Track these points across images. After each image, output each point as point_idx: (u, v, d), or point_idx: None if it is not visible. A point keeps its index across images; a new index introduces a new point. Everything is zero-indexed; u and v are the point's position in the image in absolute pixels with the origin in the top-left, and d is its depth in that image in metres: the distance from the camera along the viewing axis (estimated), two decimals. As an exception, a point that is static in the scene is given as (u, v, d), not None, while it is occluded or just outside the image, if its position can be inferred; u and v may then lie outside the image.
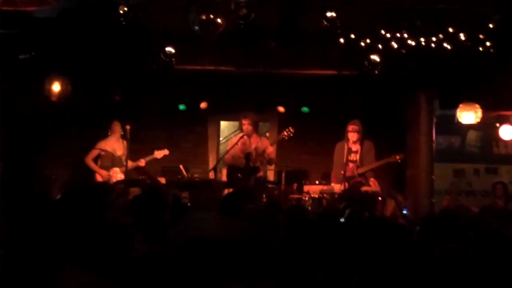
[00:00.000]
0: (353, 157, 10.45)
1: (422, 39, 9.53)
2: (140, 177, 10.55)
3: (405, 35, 9.46)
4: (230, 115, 12.43)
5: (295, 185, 10.84)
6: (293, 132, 10.27)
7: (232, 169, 10.52)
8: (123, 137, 10.60)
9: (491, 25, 9.08)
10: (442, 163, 12.57)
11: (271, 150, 10.44)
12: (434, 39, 9.53)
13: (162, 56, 9.90)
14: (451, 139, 13.00)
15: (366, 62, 10.00)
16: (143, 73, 11.32)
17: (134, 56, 10.36)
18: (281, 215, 5.62)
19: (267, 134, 12.42)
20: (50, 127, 11.26)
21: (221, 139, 13.32)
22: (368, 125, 10.59)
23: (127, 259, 3.86)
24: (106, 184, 9.15)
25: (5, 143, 10.25)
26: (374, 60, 9.95)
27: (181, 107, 12.20)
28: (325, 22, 8.76)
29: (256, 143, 10.48)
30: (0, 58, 9.66)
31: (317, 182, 10.86)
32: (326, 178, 10.97)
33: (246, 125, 10.52)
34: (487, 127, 12.48)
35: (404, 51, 9.64)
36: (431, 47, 9.61)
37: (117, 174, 10.75)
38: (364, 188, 10.24)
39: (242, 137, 10.58)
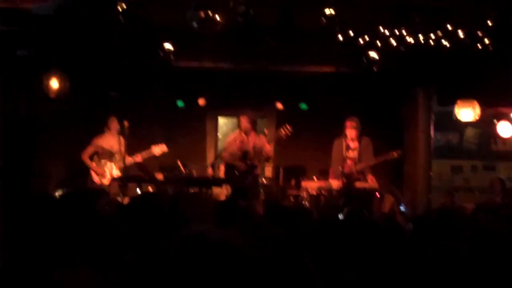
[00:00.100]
0: (351, 154, 10.45)
1: (420, 36, 9.53)
2: (139, 173, 10.59)
3: (404, 32, 9.46)
4: (228, 111, 12.44)
5: (293, 181, 10.85)
6: (291, 130, 10.24)
7: (229, 167, 10.52)
8: (120, 133, 10.58)
9: (489, 22, 9.08)
10: (440, 159, 12.59)
11: (268, 148, 10.44)
12: (432, 36, 9.54)
13: (161, 53, 9.90)
14: (449, 136, 13.02)
15: (364, 59, 10.00)
16: (141, 70, 11.32)
17: (133, 53, 10.36)
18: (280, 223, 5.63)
19: (265, 131, 12.41)
20: (48, 124, 11.25)
21: (219, 135, 13.33)
22: (366, 121, 10.60)
23: (124, 257, 3.86)
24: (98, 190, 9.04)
25: (2, 139, 10.28)
26: (372, 57, 9.95)
27: (179, 103, 12.19)
28: (324, 19, 8.76)
29: (254, 141, 10.48)
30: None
31: (314, 178, 10.87)
32: (323, 174, 10.97)
33: (244, 122, 10.52)
34: (485, 124, 12.50)
35: (402, 48, 9.64)
36: (430, 44, 9.61)
37: (114, 171, 10.75)
38: (362, 185, 10.26)
39: (240, 134, 10.59)
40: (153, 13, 9.37)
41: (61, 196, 6.72)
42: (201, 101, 12.02)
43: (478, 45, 9.50)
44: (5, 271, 3.34)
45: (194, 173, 11.16)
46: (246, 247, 4.51)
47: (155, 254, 3.91)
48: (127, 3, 8.64)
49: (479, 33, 9.43)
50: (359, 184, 10.27)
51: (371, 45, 9.79)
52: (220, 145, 12.67)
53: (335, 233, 5.17)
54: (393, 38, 9.57)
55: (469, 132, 13.01)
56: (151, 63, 10.30)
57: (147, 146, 10.89)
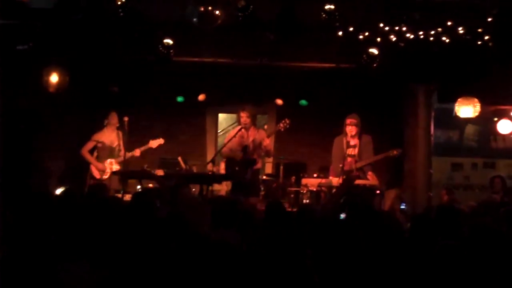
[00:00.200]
0: (351, 151, 10.42)
1: (420, 33, 9.51)
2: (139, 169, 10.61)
3: (404, 29, 9.44)
4: (228, 107, 12.43)
5: (293, 178, 10.84)
6: (289, 123, 10.22)
7: (230, 162, 10.50)
8: (120, 128, 10.58)
9: (489, 19, 9.07)
10: (440, 157, 12.57)
11: (267, 142, 10.41)
12: (432, 32, 9.52)
13: (160, 48, 9.89)
14: (449, 133, 13.00)
15: (364, 55, 9.99)
16: (141, 65, 11.31)
17: (132, 48, 10.36)
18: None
19: (265, 127, 12.42)
20: (47, 118, 11.23)
21: (219, 131, 13.32)
22: (366, 118, 10.57)
23: (123, 251, 3.86)
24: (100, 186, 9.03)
25: (2, 134, 10.28)
26: (372, 53, 9.94)
27: (179, 99, 12.18)
28: (324, 15, 8.74)
29: (254, 135, 10.45)
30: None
31: (315, 175, 10.86)
32: (324, 171, 10.96)
33: (244, 117, 10.49)
34: (485, 121, 12.48)
35: (402, 45, 9.62)
36: (430, 40, 9.60)
37: (113, 165, 10.74)
38: (362, 182, 10.24)
39: (240, 130, 10.57)
40: (153, 8, 9.36)
41: (62, 192, 6.70)
42: (201, 97, 12.01)
43: (479, 41, 9.49)
44: (6, 266, 3.34)
45: (194, 169, 11.15)
46: (244, 246, 4.51)
47: (153, 253, 3.91)
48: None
49: (479, 30, 9.41)
50: (359, 182, 10.25)
51: (371, 41, 9.77)
52: (220, 141, 12.66)
53: (337, 231, 5.17)
54: (393, 34, 9.55)
55: (469, 129, 12.98)
56: (150, 58, 10.28)
57: (147, 141, 10.88)
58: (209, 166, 10.96)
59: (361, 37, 9.68)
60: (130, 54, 10.62)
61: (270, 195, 10.64)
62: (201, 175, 10.62)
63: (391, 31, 9.52)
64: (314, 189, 10.23)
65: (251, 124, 10.52)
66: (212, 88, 11.99)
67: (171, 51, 9.92)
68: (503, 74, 10.61)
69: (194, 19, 8.72)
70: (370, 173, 10.42)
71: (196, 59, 11.02)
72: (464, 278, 3.95)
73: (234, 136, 10.48)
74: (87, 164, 10.78)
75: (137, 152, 10.66)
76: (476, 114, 11.33)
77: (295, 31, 9.32)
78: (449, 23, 9.38)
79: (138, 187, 10.14)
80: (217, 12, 8.66)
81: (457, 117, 11.65)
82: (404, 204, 10.82)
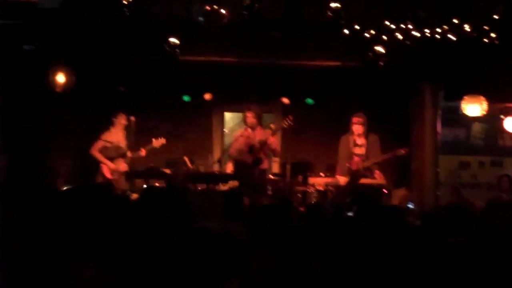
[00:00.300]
0: (358, 150, 10.42)
1: (427, 30, 9.49)
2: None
3: (410, 26, 9.42)
4: (234, 106, 12.43)
5: (300, 178, 10.83)
6: (292, 120, 10.23)
7: (238, 164, 10.52)
8: (127, 128, 10.66)
9: (496, 16, 9.04)
10: (447, 155, 12.53)
11: (272, 140, 10.42)
12: (439, 30, 9.49)
13: (166, 47, 9.88)
14: (456, 131, 12.94)
15: (370, 54, 9.97)
16: (147, 64, 11.32)
17: (138, 47, 10.36)
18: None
19: (271, 126, 12.41)
20: (54, 118, 11.26)
21: (225, 130, 13.32)
22: (373, 117, 10.56)
23: (133, 252, 3.86)
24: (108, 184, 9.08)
25: (10, 135, 10.31)
26: (378, 51, 9.91)
27: (185, 98, 12.20)
28: (330, 13, 8.73)
29: (260, 135, 10.46)
30: (4, 48, 9.72)
31: (321, 174, 10.84)
32: (330, 170, 10.95)
33: (250, 117, 10.50)
34: (492, 119, 12.41)
35: (408, 43, 9.60)
36: (436, 38, 9.57)
37: (122, 165, 10.78)
38: (369, 181, 10.23)
39: (246, 130, 10.58)
40: (159, 7, 9.37)
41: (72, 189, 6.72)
42: (207, 96, 12.02)
43: (485, 39, 9.46)
44: (15, 266, 3.35)
45: (201, 169, 11.17)
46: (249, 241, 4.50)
47: (159, 250, 3.90)
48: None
49: (486, 27, 9.38)
50: (366, 181, 10.24)
51: (377, 40, 9.75)
52: (227, 140, 12.66)
53: (345, 229, 5.16)
54: (400, 33, 9.53)
55: (476, 128, 12.93)
56: (156, 57, 10.29)
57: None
58: (216, 166, 10.99)
59: (367, 35, 9.66)
60: (136, 53, 10.63)
61: (278, 194, 10.63)
62: (207, 174, 10.64)
63: (397, 29, 9.49)
64: (322, 189, 10.23)
65: (257, 123, 10.53)
66: (218, 87, 11.99)
67: (177, 50, 9.92)
68: (510, 71, 10.57)
69: (200, 18, 8.72)
70: (377, 172, 10.42)
71: (202, 58, 11.01)
72: (472, 276, 3.94)
73: (241, 136, 10.50)
74: (96, 164, 10.79)
75: (143, 152, 10.73)
76: (483, 112, 11.28)
77: (301, 29, 9.33)
78: (455, 21, 9.35)
79: (144, 186, 10.16)
80: (223, 11, 8.65)
81: (463, 115, 11.61)
82: (412, 204, 10.80)
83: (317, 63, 11.17)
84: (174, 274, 3.41)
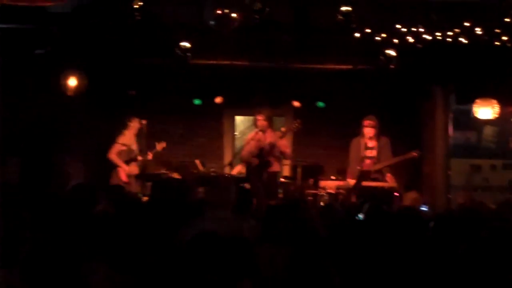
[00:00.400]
0: (369, 153, 10.39)
1: (438, 34, 9.46)
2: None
3: (421, 30, 9.39)
4: (245, 109, 12.44)
5: (311, 181, 10.83)
6: (300, 123, 10.27)
7: (249, 166, 10.55)
8: (139, 132, 10.73)
9: (507, 19, 9.00)
10: (459, 158, 12.48)
11: (282, 143, 10.44)
12: (450, 33, 9.46)
13: (177, 51, 9.90)
14: (467, 134, 12.89)
15: (381, 57, 9.95)
16: (158, 68, 11.35)
17: (149, 51, 10.39)
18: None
19: (282, 129, 12.41)
20: (66, 122, 11.30)
21: (236, 133, 13.33)
22: (384, 120, 10.54)
23: (142, 253, 3.88)
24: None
25: (22, 138, 10.37)
26: (389, 54, 9.89)
27: (196, 101, 12.23)
28: (341, 17, 8.72)
29: (271, 138, 10.48)
30: (17, 52, 9.78)
31: (332, 177, 10.84)
32: (341, 173, 10.93)
33: (261, 121, 10.52)
34: (503, 122, 12.34)
35: (420, 46, 9.57)
36: (447, 41, 9.54)
37: (134, 168, 10.83)
38: (381, 184, 10.21)
39: (257, 133, 10.60)
40: (170, 11, 9.39)
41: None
42: (218, 99, 12.04)
43: (497, 42, 9.42)
44: (28, 266, 3.37)
45: (212, 172, 11.19)
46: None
47: (170, 250, 3.92)
48: (144, 0, 8.66)
49: (497, 30, 9.34)
50: (377, 184, 10.22)
51: (388, 43, 9.73)
52: (237, 143, 12.68)
53: (357, 230, 5.16)
54: (411, 36, 9.50)
55: (488, 131, 12.86)
56: (168, 61, 10.31)
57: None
58: (227, 169, 11.01)
59: (378, 38, 9.64)
60: (147, 57, 10.66)
61: (289, 197, 10.64)
62: (214, 178, 10.67)
63: (409, 32, 9.47)
64: (333, 192, 10.23)
65: (267, 126, 10.55)
66: (229, 91, 12.01)
67: (188, 54, 9.93)
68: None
69: (211, 22, 8.73)
70: (388, 175, 10.39)
71: (213, 62, 11.04)
72: (484, 277, 3.93)
73: (252, 139, 10.52)
74: (108, 167, 10.83)
75: (149, 156, 10.84)
76: (495, 115, 11.22)
77: (312, 33, 9.33)
78: (466, 24, 9.32)
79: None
80: (234, 15, 8.66)
81: (475, 118, 11.56)
82: (426, 206, 10.73)
83: (328, 66, 11.16)
84: (187, 275, 3.42)
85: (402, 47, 9.69)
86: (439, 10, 9.13)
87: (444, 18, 9.23)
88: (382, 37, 9.66)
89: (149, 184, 10.57)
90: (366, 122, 10.34)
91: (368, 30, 9.51)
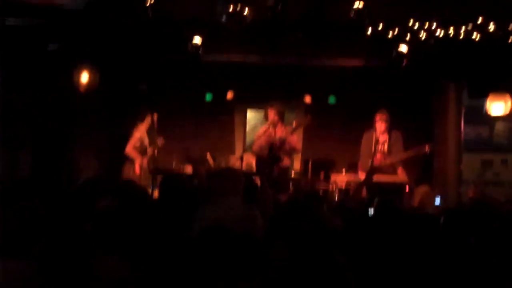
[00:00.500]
0: (380, 147, 10.39)
1: (450, 29, 9.44)
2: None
3: (434, 25, 9.38)
4: (257, 104, 12.45)
5: (321, 175, 10.83)
6: (311, 119, 10.28)
7: (259, 160, 10.58)
8: (150, 126, 10.80)
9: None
10: (470, 153, 12.44)
11: (292, 138, 10.45)
12: (463, 28, 9.44)
13: (189, 47, 9.93)
14: (479, 129, 12.84)
15: (394, 53, 9.94)
16: (170, 64, 11.37)
17: (161, 47, 10.40)
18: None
19: (294, 124, 12.41)
20: (78, 118, 11.36)
21: (247, 128, 13.35)
22: (396, 115, 10.54)
23: (154, 245, 3.90)
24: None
25: (34, 132, 10.43)
26: (402, 50, 9.88)
27: (208, 97, 12.25)
28: (353, 12, 8.72)
29: (281, 133, 10.50)
30: (29, 48, 9.84)
31: (343, 171, 10.84)
32: (352, 168, 10.93)
33: (272, 115, 10.54)
34: (515, 118, 12.31)
35: (432, 41, 9.55)
36: (460, 37, 9.52)
37: (144, 161, 10.90)
38: (392, 179, 10.21)
39: (268, 127, 10.62)
40: (182, 7, 9.40)
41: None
42: (230, 95, 12.06)
43: (510, 37, 9.40)
44: (43, 258, 3.41)
45: (223, 166, 11.21)
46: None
47: (177, 245, 3.93)
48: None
49: (511, 25, 9.32)
50: (388, 178, 10.22)
51: (400, 38, 9.72)
52: (249, 138, 12.69)
53: (367, 226, 5.17)
54: (423, 31, 9.49)
55: (500, 126, 12.81)
56: (179, 56, 10.33)
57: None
58: (238, 163, 11.03)
59: (390, 34, 9.63)
60: (159, 53, 10.68)
61: (299, 192, 10.65)
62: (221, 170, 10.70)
63: (421, 28, 9.45)
64: (343, 186, 10.24)
65: (278, 121, 10.57)
66: (241, 86, 12.02)
67: (200, 50, 9.96)
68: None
69: (223, 19, 8.74)
70: (400, 169, 10.39)
71: (224, 58, 11.04)
72: (495, 272, 3.94)
73: (263, 133, 10.55)
74: (121, 162, 10.89)
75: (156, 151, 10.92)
76: (508, 110, 11.19)
77: (324, 28, 9.32)
78: (480, 19, 9.29)
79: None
80: (246, 11, 8.67)
81: (486, 113, 11.52)
82: (439, 199, 10.69)
83: (340, 62, 11.15)
84: (197, 266, 3.45)
85: (415, 43, 9.68)
86: (452, 6, 9.10)
87: (457, 13, 9.22)
88: (394, 33, 9.65)
89: (159, 177, 10.66)
90: (378, 116, 10.33)
91: (380, 26, 9.51)
